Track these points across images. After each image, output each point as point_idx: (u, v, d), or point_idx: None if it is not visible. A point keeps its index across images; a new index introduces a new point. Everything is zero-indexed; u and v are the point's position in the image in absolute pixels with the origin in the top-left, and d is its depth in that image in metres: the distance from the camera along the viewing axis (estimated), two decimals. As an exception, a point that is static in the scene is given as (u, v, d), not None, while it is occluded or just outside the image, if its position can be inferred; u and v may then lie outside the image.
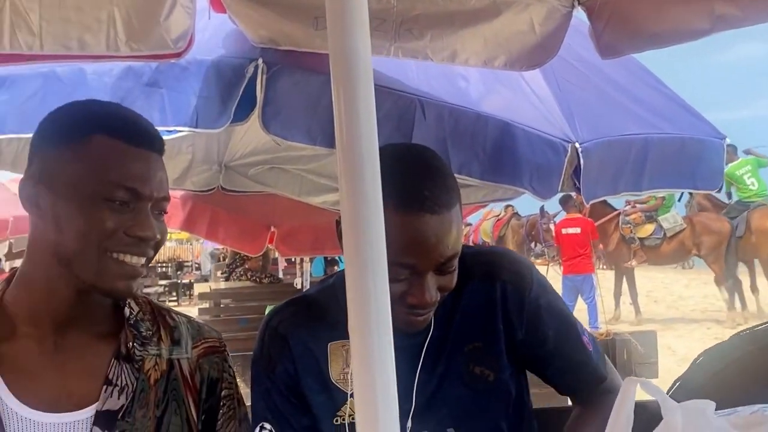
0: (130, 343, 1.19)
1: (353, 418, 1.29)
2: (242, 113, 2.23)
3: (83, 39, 1.89)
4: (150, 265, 1.24)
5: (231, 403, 1.30)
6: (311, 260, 8.42)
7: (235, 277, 8.32)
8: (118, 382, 1.16)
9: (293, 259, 9.46)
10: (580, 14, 2.04)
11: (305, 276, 7.73)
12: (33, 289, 1.16)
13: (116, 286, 1.13)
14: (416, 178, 1.20)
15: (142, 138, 1.16)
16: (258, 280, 8.20)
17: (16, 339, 1.14)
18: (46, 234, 1.13)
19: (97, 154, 1.11)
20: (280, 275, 9.94)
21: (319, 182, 4.36)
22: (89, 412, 1.13)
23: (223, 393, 1.28)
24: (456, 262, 1.25)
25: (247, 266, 8.16)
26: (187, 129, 2.25)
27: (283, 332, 1.38)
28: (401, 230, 1.16)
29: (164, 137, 2.46)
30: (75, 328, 1.17)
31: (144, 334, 1.22)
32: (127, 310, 1.23)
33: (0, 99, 2.41)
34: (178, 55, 1.96)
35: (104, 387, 1.15)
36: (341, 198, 0.91)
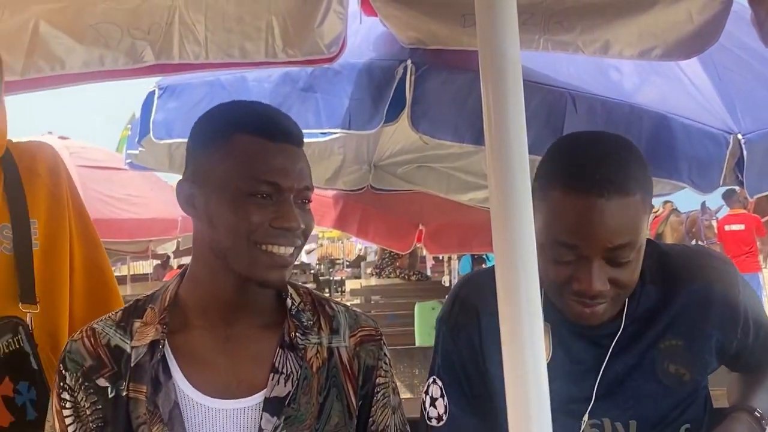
0: (293, 333, 1.25)
1: None
2: (393, 114, 2.28)
3: (244, 47, 2.00)
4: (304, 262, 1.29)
5: (386, 390, 1.33)
6: (459, 258, 8.42)
7: (384, 275, 8.47)
8: (284, 370, 1.22)
9: (441, 257, 9.50)
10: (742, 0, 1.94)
11: (453, 274, 7.75)
12: (200, 283, 1.24)
13: (268, 277, 1.18)
14: (591, 161, 1.19)
15: (279, 133, 1.21)
16: (407, 277, 8.29)
17: (191, 330, 1.23)
18: (204, 232, 1.22)
19: (239, 152, 1.18)
20: (428, 273, 10.01)
21: (467, 179, 4.36)
22: (258, 398, 1.20)
23: (378, 380, 1.32)
24: (632, 254, 1.20)
25: (396, 264, 8.27)
26: (340, 131, 2.33)
27: (474, 302, 1.40)
28: (568, 210, 1.17)
29: (317, 139, 2.59)
30: (242, 319, 1.24)
31: (305, 323, 1.27)
32: (288, 301, 1.28)
33: (170, 106, 2.61)
34: (332, 59, 2.04)
35: (271, 375, 1.21)
36: (491, 194, 0.93)
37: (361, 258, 17.98)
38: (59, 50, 1.92)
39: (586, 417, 1.32)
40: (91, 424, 1.17)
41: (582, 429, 1.32)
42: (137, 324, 1.23)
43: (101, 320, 1.25)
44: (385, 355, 1.34)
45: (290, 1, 1.99)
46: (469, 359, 1.39)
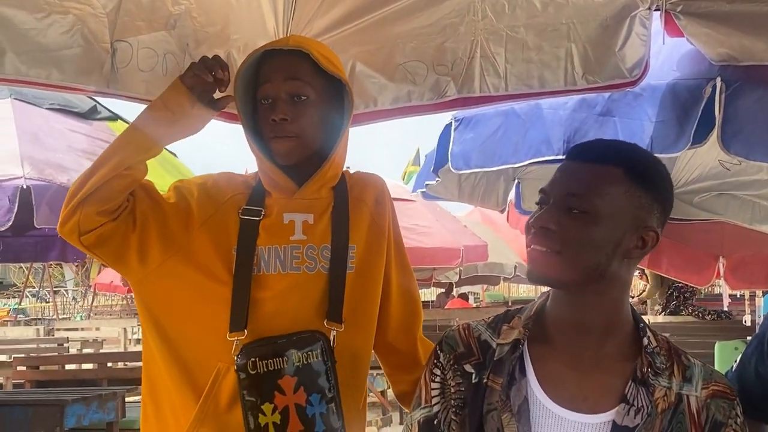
0: (646, 369, 1.29)
1: None
2: (701, 135, 2.17)
3: (543, 77, 2.02)
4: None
5: None
6: (764, 294, 7.66)
7: (676, 312, 7.93)
8: (635, 403, 1.26)
9: (738, 295, 8.70)
10: None
11: (757, 312, 7.06)
12: (555, 302, 1.34)
13: None
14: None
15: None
16: (700, 315, 7.70)
17: (549, 343, 1.33)
18: None
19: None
20: (726, 310, 9.22)
21: (775, 209, 3.98)
22: (603, 419, 1.25)
23: None
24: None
25: (690, 301, 7.72)
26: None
27: None
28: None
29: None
30: (595, 345, 1.31)
31: (658, 365, 1.30)
32: (645, 340, 1.32)
33: (467, 137, 2.71)
34: (633, 83, 1.99)
35: (623, 404, 1.26)
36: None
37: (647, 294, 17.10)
38: (373, 89, 2.08)
39: None
40: (452, 401, 1.32)
41: None
42: (505, 327, 1.37)
43: (476, 321, 1.41)
44: (737, 415, 1.30)
45: (590, 27, 1.98)
46: None
